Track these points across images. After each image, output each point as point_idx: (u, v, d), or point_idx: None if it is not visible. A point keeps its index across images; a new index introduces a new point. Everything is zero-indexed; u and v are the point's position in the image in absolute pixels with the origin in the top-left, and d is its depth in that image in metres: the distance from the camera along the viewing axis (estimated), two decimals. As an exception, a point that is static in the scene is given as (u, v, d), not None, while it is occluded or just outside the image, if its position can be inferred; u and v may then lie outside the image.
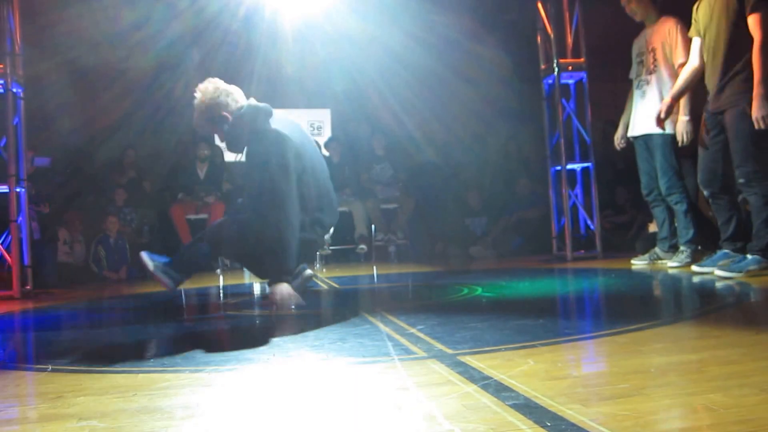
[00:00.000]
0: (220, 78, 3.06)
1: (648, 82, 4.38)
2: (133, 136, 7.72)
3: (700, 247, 4.18)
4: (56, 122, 7.21)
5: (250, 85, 8.14)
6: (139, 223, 7.09)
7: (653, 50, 4.34)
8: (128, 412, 1.42)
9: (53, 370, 1.92)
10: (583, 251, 5.77)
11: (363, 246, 6.91)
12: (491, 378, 1.50)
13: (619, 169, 6.81)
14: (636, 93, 4.49)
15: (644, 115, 4.39)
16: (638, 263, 4.62)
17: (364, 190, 7.32)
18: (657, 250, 4.60)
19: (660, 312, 2.76)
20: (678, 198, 4.26)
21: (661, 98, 4.25)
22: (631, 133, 4.55)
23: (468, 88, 7.94)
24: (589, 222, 5.87)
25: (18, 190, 4.87)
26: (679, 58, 4.19)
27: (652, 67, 4.36)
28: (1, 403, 1.59)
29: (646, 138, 4.39)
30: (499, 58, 7.74)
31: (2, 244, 4.88)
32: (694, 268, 3.87)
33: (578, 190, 5.95)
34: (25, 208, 4.98)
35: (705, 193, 3.79)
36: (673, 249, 4.44)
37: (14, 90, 4.92)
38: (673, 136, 4.20)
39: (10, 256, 4.80)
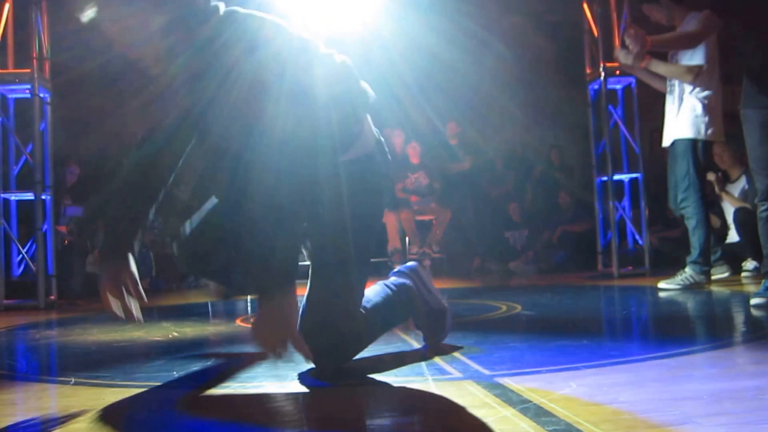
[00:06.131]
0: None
1: (671, 87, 4.31)
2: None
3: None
4: (86, 129, 7.37)
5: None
6: (162, 232, 7.18)
7: (676, 51, 4.28)
8: (151, 428, 1.44)
9: (76, 383, 1.96)
10: (630, 267, 5.68)
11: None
12: (530, 401, 1.49)
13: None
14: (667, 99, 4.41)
15: (668, 123, 4.32)
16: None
17: (398, 201, 7.32)
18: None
19: (714, 334, 2.70)
20: (691, 212, 4.11)
21: (680, 102, 4.18)
22: (663, 144, 4.45)
23: (508, 93, 7.90)
24: (637, 237, 5.78)
25: (44, 197, 5.00)
26: (683, 29, 4.08)
27: None
28: (24, 415, 1.63)
29: (672, 146, 4.29)
30: (541, 62, 7.70)
31: (27, 252, 5.01)
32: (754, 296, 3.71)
33: (626, 202, 5.88)
34: (51, 216, 5.10)
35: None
36: (716, 263, 4.36)
37: (41, 95, 5.06)
38: (696, 142, 4.09)
39: (35, 265, 4.93)
